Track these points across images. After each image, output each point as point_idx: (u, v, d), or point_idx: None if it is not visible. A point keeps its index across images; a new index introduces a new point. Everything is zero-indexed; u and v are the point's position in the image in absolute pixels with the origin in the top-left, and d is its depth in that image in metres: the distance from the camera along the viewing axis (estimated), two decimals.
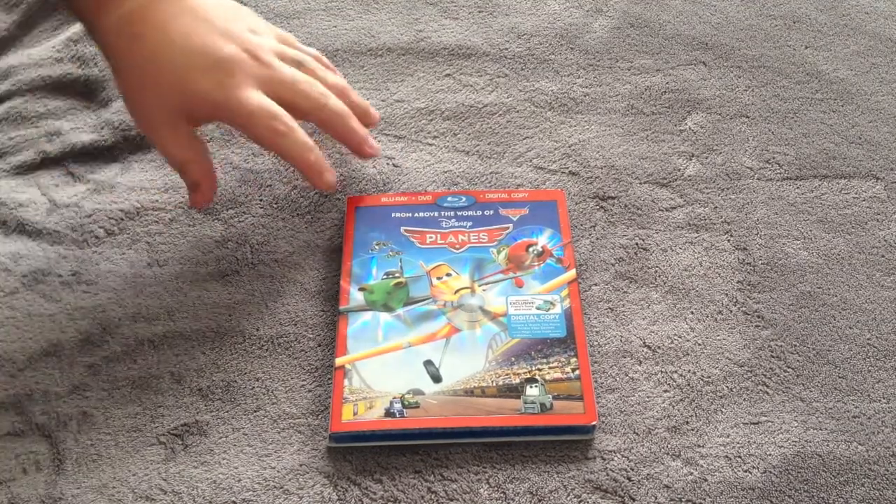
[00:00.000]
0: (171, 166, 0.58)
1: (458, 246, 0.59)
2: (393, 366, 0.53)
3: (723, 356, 0.55)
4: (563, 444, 0.51)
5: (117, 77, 0.56)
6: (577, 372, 0.52)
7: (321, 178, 0.58)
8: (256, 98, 0.55)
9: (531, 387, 0.52)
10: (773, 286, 0.59)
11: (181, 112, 0.56)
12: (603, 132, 0.68)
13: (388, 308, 0.56)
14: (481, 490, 0.50)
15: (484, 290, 0.57)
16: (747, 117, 0.70)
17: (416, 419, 0.51)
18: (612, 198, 0.64)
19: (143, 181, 0.64)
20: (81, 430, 0.52)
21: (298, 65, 0.60)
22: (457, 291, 0.57)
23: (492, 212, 0.61)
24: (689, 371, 0.55)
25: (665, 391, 0.54)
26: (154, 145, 0.58)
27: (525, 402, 0.51)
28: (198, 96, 0.55)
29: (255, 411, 0.53)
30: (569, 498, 0.49)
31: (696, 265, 0.60)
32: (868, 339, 0.57)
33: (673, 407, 0.53)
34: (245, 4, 0.63)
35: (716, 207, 0.63)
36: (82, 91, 0.71)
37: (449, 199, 0.62)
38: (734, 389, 0.54)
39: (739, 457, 0.51)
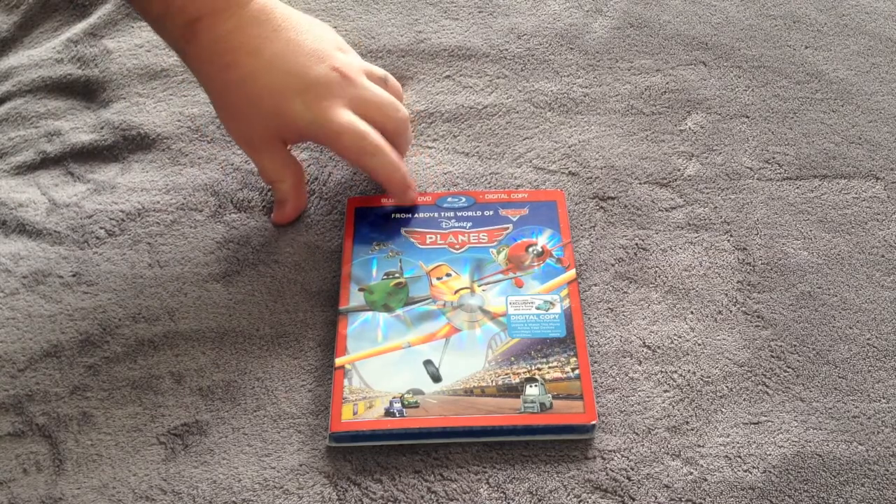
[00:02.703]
0: (264, 181, 0.61)
1: (457, 246, 0.59)
2: (393, 366, 0.53)
3: (723, 356, 0.55)
4: (563, 443, 0.51)
5: (213, 100, 0.58)
6: (576, 371, 0.52)
7: (405, 194, 0.61)
8: (346, 118, 0.57)
9: (531, 386, 0.52)
10: (773, 286, 0.59)
11: (278, 133, 0.58)
12: (603, 132, 0.68)
13: (388, 308, 0.56)
14: (481, 490, 0.50)
15: (484, 290, 0.57)
16: (747, 117, 0.70)
17: (416, 419, 0.51)
18: (612, 198, 0.64)
19: (144, 181, 0.64)
20: (82, 431, 0.52)
21: (384, 82, 0.62)
22: (456, 291, 0.57)
23: (491, 212, 0.61)
24: (689, 371, 0.55)
25: (665, 391, 0.54)
26: (252, 161, 0.60)
27: (525, 402, 0.51)
28: (291, 118, 0.57)
29: (255, 411, 0.53)
30: (569, 498, 0.49)
31: (696, 265, 0.60)
32: (868, 339, 0.57)
33: (673, 407, 0.53)
34: None
35: (716, 207, 0.63)
36: (82, 91, 0.71)
37: (449, 199, 0.62)
38: (734, 389, 0.54)
39: (739, 457, 0.51)
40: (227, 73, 0.56)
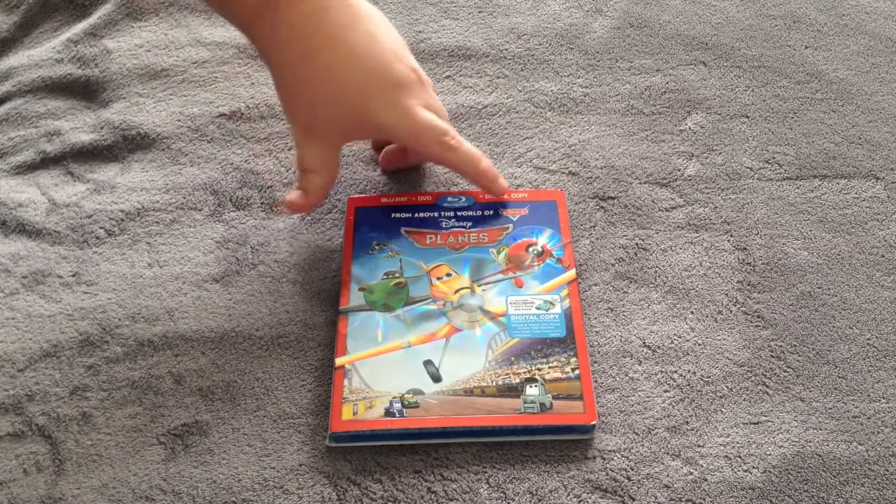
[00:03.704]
0: (298, 166, 0.59)
1: (458, 246, 0.59)
2: (393, 366, 0.53)
3: (723, 356, 0.55)
4: (562, 443, 0.51)
5: (278, 82, 0.56)
6: (576, 371, 0.52)
7: (495, 184, 0.60)
8: (427, 116, 0.57)
9: (531, 386, 0.52)
10: (773, 286, 0.59)
11: (346, 129, 0.57)
12: (603, 132, 0.68)
13: (388, 308, 0.56)
14: (481, 490, 0.50)
15: (484, 290, 0.57)
16: (747, 117, 0.70)
17: (416, 419, 0.51)
18: (612, 198, 0.64)
19: (144, 181, 0.64)
20: (82, 431, 0.52)
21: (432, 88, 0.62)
22: (457, 291, 0.57)
23: (492, 212, 0.61)
24: (689, 371, 0.55)
25: (665, 391, 0.54)
26: (297, 145, 0.58)
27: (525, 402, 0.51)
28: (368, 114, 0.56)
29: (256, 411, 0.53)
30: (569, 498, 0.49)
31: (696, 265, 0.60)
32: (868, 339, 0.57)
33: (673, 407, 0.53)
34: None
35: (716, 207, 0.63)
36: (82, 91, 0.71)
37: (449, 199, 0.62)
38: (734, 389, 0.54)
39: (739, 457, 0.51)
40: (306, 61, 0.54)
